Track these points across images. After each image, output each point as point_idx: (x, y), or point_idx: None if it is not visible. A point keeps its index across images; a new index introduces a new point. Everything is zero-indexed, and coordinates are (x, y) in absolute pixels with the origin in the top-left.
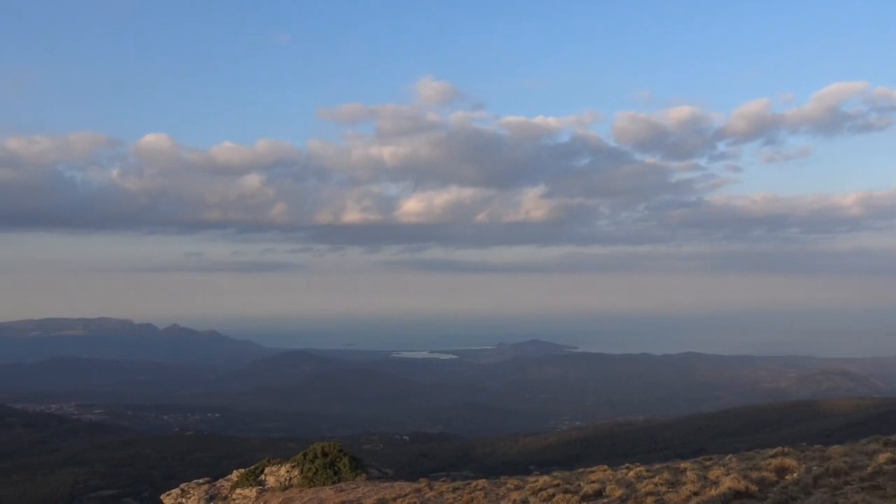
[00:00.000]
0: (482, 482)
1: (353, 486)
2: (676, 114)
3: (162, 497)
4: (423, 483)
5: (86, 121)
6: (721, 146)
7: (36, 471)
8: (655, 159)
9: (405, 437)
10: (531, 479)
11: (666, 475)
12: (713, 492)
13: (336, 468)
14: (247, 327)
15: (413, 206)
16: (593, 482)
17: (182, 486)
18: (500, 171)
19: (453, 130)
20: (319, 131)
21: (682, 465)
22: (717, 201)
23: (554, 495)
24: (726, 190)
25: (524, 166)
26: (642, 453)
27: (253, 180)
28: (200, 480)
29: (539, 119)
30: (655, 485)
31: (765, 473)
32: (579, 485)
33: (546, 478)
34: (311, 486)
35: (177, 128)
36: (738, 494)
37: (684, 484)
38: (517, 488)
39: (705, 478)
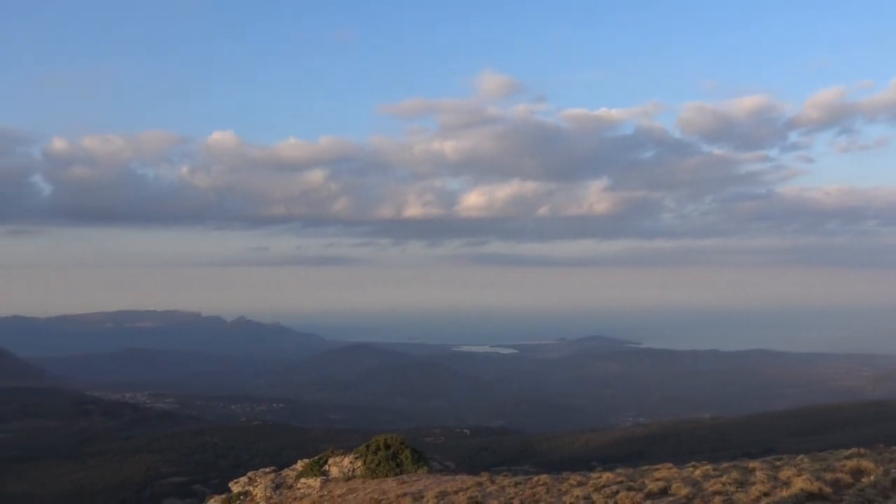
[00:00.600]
0: (544, 477)
1: (415, 478)
2: (745, 103)
3: (230, 485)
4: (484, 477)
5: (157, 119)
6: (793, 136)
7: (112, 457)
8: (723, 151)
9: (466, 431)
10: (594, 475)
11: (734, 475)
12: (784, 493)
13: (398, 460)
14: (310, 320)
15: (474, 200)
16: (658, 480)
17: (249, 474)
18: (562, 164)
19: (515, 124)
20: (381, 127)
21: (751, 464)
22: (789, 193)
23: (617, 492)
24: (798, 181)
25: (587, 159)
26: (708, 452)
27: (316, 176)
28: (266, 469)
29: (602, 111)
30: (723, 484)
31: (839, 475)
32: (644, 482)
33: (609, 474)
34: (373, 478)
35: (243, 125)
36: (810, 496)
37: (754, 484)
38: (580, 484)
39: (776, 478)
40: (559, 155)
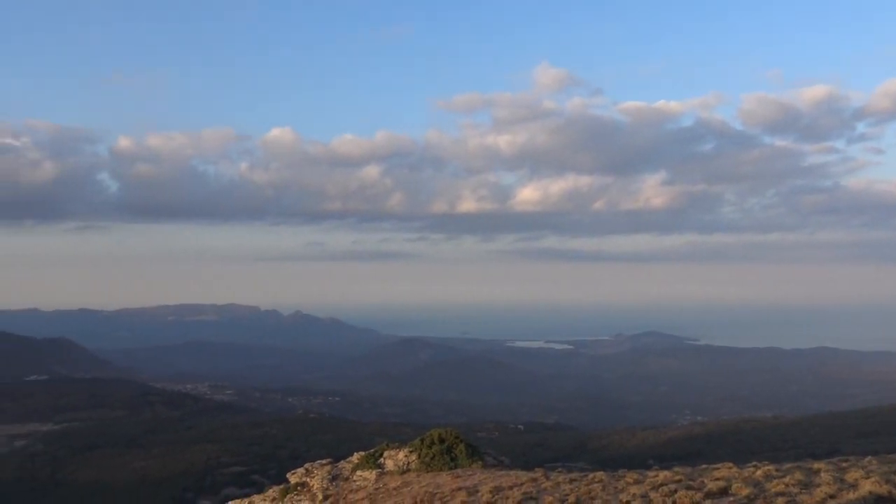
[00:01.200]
0: (600, 474)
1: (470, 472)
2: (810, 93)
3: (288, 475)
4: (539, 473)
5: (218, 117)
6: (861, 127)
7: (174, 446)
8: (787, 142)
9: (520, 427)
10: (651, 473)
11: (798, 475)
12: (851, 495)
13: (453, 454)
14: (366, 314)
15: (529, 194)
16: (718, 480)
17: (306, 465)
18: (618, 158)
19: (570, 117)
20: (436, 121)
21: (816, 465)
22: (856, 186)
23: (676, 491)
24: (866, 173)
25: (644, 153)
26: (770, 452)
27: (372, 171)
28: (323, 461)
29: (660, 104)
30: (786, 485)
31: None
32: (703, 481)
33: (667, 473)
34: (428, 471)
35: (301, 122)
36: (879, 499)
37: (818, 486)
38: (636, 482)
39: (842, 480)
40: (615, 148)
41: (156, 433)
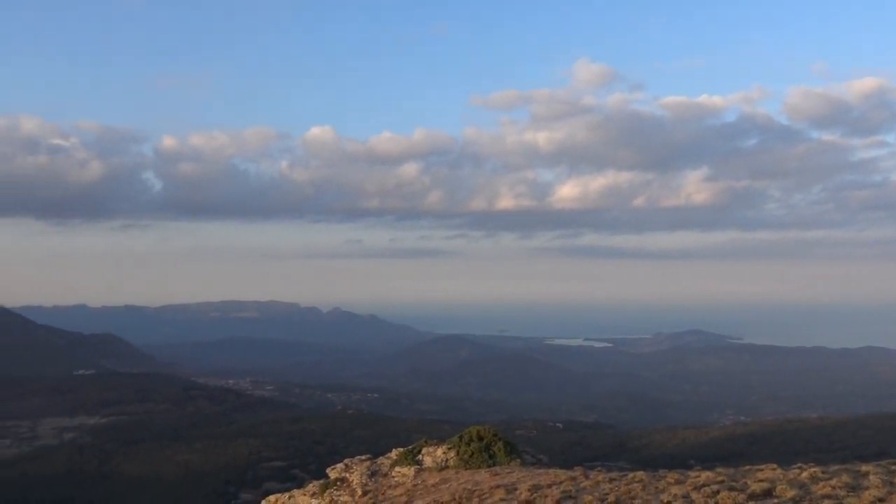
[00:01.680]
0: (640, 474)
1: (508, 470)
2: (859, 86)
3: (328, 471)
4: (578, 471)
5: (259, 116)
6: None
7: (216, 440)
8: (834, 136)
9: (559, 425)
10: (692, 473)
11: (845, 478)
12: None
13: (491, 452)
14: (404, 312)
15: (568, 191)
16: (761, 481)
17: (345, 461)
18: (659, 153)
19: (610, 113)
20: (474, 119)
21: (864, 468)
22: None
23: (718, 492)
24: None
25: (686, 148)
26: (815, 454)
27: (410, 169)
28: (362, 457)
29: (702, 98)
30: (833, 488)
31: None
32: (746, 483)
33: (709, 473)
34: (466, 469)
35: (340, 120)
36: None
37: (867, 489)
38: (677, 483)
39: (891, 483)
40: (656, 144)
41: (199, 427)
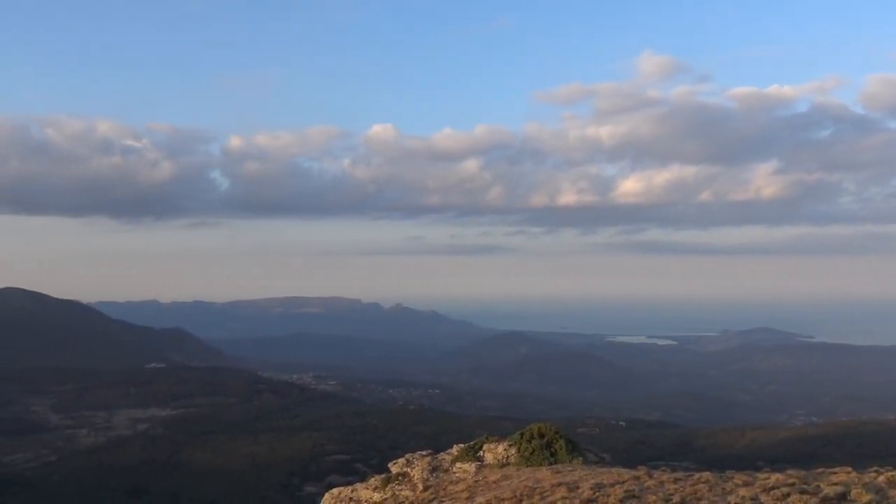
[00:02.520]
0: (706, 475)
1: (570, 468)
2: None
3: (389, 465)
4: (641, 471)
5: (322, 115)
6: None
7: (281, 433)
8: None
9: (621, 423)
10: (761, 475)
11: None
12: None
13: (552, 450)
14: (464, 308)
15: (631, 186)
16: (835, 484)
17: (407, 456)
18: (726, 146)
19: (675, 106)
20: (536, 114)
21: None
22: None
23: (789, 495)
24: None
25: (754, 141)
26: (892, 457)
27: (471, 165)
28: (423, 452)
29: (772, 89)
30: None
31: None
32: (818, 486)
33: (779, 475)
34: (527, 466)
35: (401, 117)
36: None
37: None
38: (746, 484)
39: None
40: (723, 137)
41: (264, 420)
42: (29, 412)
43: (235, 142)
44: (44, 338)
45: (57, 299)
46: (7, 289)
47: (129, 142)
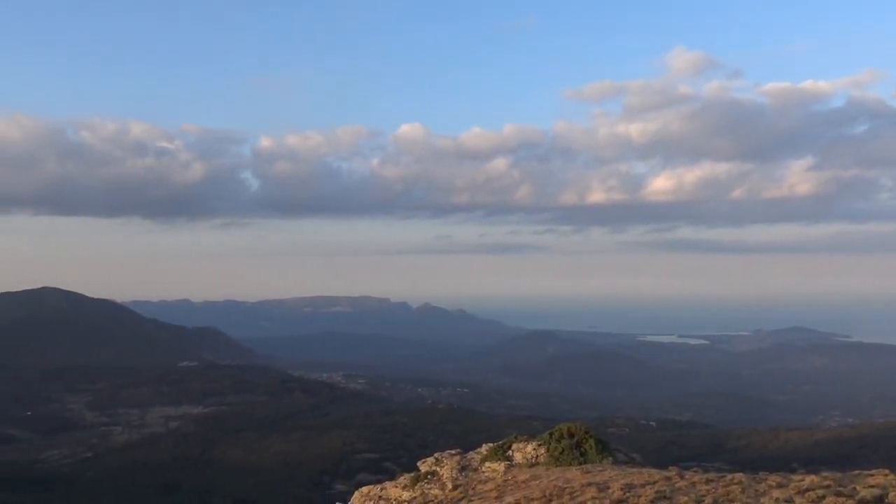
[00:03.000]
0: (739, 476)
1: (600, 468)
2: None
3: (419, 464)
4: (672, 471)
5: (350, 115)
6: None
7: (311, 431)
8: None
9: (652, 423)
10: (796, 477)
11: None
12: None
13: (582, 449)
14: (492, 307)
15: (662, 183)
16: (872, 487)
17: (436, 455)
18: (759, 143)
19: (707, 102)
20: (565, 112)
21: None
22: None
23: (824, 497)
24: None
25: (788, 137)
26: None
27: (499, 164)
28: (452, 451)
29: (807, 84)
30: None
31: None
32: (855, 488)
33: (814, 477)
34: (557, 466)
35: (429, 116)
36: None
37: None
38: (780, 486)
39: None
40: (757, 133)
41: (294, 418)
42: (65, 409)
43: (266, 142)
44: (79, 336)
45: (92, 298)
46: (44, 288)
47: (162, 143)
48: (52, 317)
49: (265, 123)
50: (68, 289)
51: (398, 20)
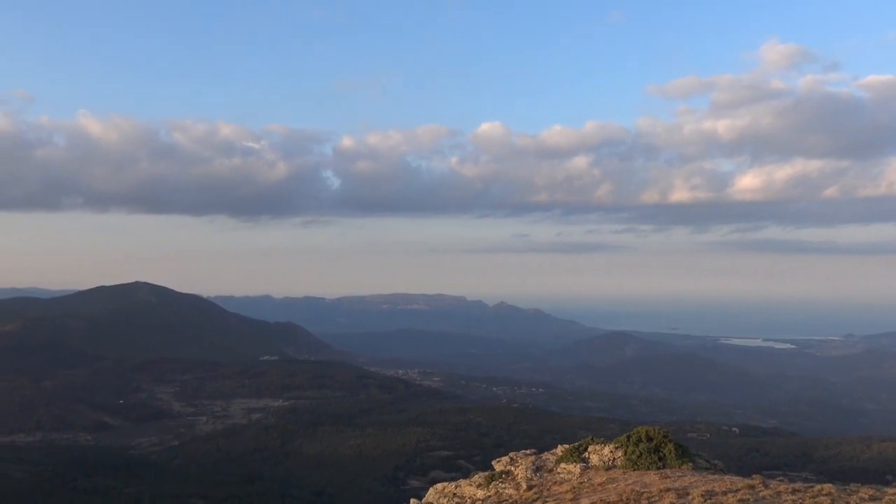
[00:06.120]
0: (828, 487)
1: (679, 474)
2: None
3: (493, 463)
4: (756, 479)
5: (430, 115)
6: None
7: (387, 427)
8: None
9: (734, 429)
10: (890, 490)
11: None
12: None
13: (661, 454)
14: (569, 306)
15: (749, 182)
16: None
17: (510, 454)
18: (857, 139)
19: (801, 97)
20: (648, 109)
21: None
22: None
23: None
24: None
25: (889, 132)
26: None
27: (580, 162)
28: (527, 451)
29: None
30: None
31: None
32: None
33: None
34: (634, 469)
35: (510, 115)
36: None
37: None
38: (872, 499)
39: None
40: (854, 129)
41: (370, 414)
42: (154, 399)
43: (347, 142)
44: (167, 329)
45: (179, 293)
46: (135, 283)
47: (249, 143)
48: (143, 310)
49: (347, 123)
50: (157, 283)
51: (479, 20)
